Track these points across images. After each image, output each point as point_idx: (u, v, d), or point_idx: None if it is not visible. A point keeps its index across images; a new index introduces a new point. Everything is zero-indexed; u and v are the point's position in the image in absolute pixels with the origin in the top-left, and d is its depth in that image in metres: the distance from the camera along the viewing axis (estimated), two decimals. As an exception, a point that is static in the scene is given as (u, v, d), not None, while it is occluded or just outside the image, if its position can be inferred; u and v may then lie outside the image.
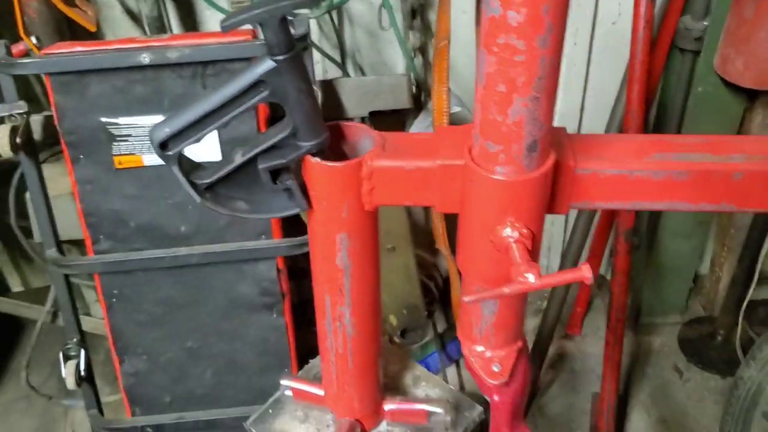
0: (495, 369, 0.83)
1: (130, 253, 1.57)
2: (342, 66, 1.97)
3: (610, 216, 2.13)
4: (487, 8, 0.60)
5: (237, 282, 1.62)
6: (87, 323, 2.00)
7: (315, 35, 1.95)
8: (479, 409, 1.11)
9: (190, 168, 0.81)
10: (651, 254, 2.39)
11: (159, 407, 1.74)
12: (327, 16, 1.86)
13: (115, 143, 1.46)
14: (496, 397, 0.84)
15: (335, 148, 0.85)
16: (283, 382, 1.12)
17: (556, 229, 2.50)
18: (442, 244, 2.00)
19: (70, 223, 1.70)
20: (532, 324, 2.39)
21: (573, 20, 2.03)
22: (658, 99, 2.13)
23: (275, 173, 0.80)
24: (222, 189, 0.82)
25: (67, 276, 1.61)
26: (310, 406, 1.13)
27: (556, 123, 0.78)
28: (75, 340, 1.68)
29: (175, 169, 0.79)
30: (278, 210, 0.84)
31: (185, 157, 0.80)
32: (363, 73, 2.03)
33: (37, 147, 1.53)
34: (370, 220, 0.85)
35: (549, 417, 2.29)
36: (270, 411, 1.14)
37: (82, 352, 1.68)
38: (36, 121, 1.55)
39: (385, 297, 1.93)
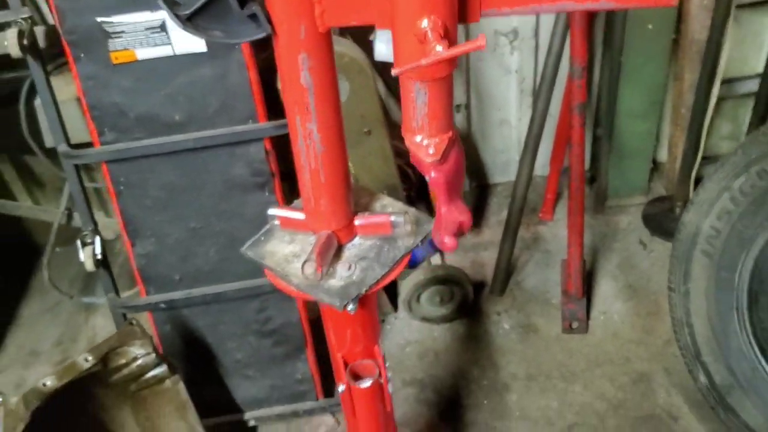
0: (430, 151, 1.03)
1: (132, 142, 1.77)
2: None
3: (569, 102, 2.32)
4: None
5: (230, 164, 1.82)
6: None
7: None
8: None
9: (173, 2, 1.01)
10: (612, 140, 2.60)
11: (170, 285, 1.96)
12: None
13: (110, 40, 1.65)
14: (432, 174, 1.04)
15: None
16: (270, 211, 1.33)
17: (523, 124, 2.69)
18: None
19: (75, 126, 1.90)
20: (505, 213, 2.60)
21: None
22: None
23: (242, 1, 1.00)
24: (200, 21, 1.02)
25: (77, 167, 1.81)
26: (295, 232, 1.34)
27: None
28: (90, 228, 1.90)
29: (160, 2, 0.99)
30: (247, 35, 1.03)
31: (172, -9, 1.00)
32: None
33: (41, 52, 1.72)
34: (325, 41, 1.04)
35: (526, 290, 2.52)
36: (262, 238, 1.34)
37: (97, 238, 1.90)
38: (39, 30, 1.73)
39: (366, 178, 2.14)
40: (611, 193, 2.73)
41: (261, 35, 1.03)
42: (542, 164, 2.78)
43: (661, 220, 2.63)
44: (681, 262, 1.96)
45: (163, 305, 1.97)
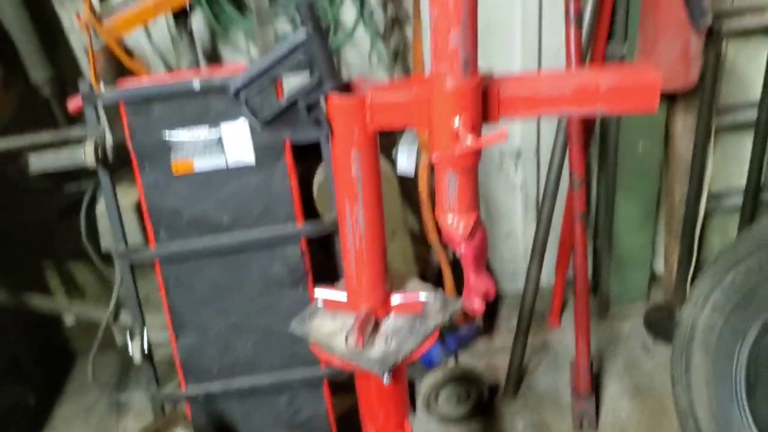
0: (461, 229, 1.25)
1: (184, 242, 1.99)
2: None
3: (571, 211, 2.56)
4: (429, -22, 1.07)
5: (270, 263, 2.03)
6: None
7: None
8: (459, 301, 1.50)
9: (254, 110, 1.25)
10: (612, 251, 2.81)
11: (208, 377, 2.11)
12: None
13: (172, 152, 1.91)
14: (462, 247, 1.25)
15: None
16: (317, 291, 1.52)
17: (528, 236, 2.92)
18: (432, 236, 2.43)
19: (129, 231, 2.12)
20: (515, 320, 2.76)
21: (522, 60, 2.52)
22: (600, 115, 2.61)
23: (309, 108, 1.24)
24: (275, 125, 1.26)
25: (132, 266, 2.02)
26: (337, 312, 1.52)
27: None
28: (139, 323, 2.08)
29: (244, 109, 1.24)
30: (311, 136, 1.27)
31: (251, 102, 1.24)
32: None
33: (110, 163, 1.97)
34: (373, 140, 1.28)
35: (537, 392, 2.66)
36: (307, 317, 1.53)
37: (145, 331, 2.07)
38: (109, 144, 1.99)
39: (388, 281, 2.33)
40: (613, 301, 2.92)
41: (322, 136, 1.27)
42: (547, 274, 2.99)
43: (662, 325, 2.80)
44: (681, 355, 2.12)
45: (201, 396, 2.11)
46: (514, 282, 3.05)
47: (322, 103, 1.25)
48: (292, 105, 1.25)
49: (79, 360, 2.96)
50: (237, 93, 1.23)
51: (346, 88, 1.26)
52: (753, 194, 2.62)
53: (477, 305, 1.30)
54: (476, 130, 1.18)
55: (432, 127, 1.21)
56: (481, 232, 1.28)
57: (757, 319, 2.01)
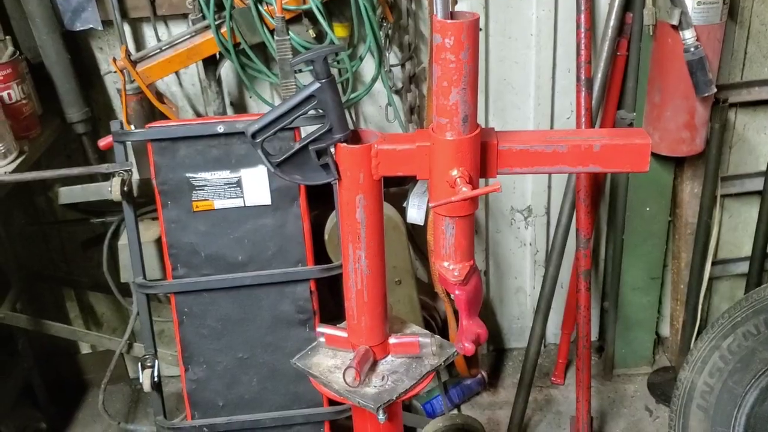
0: (455, 274, 1.32)
1: (200, 278, 2.07)
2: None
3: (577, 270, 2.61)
4: (435, 39, 1.16)
5: (279, 301, 2.10)
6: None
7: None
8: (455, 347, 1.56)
9: (268, 152, 1.34)
10: (618, 311, 2.85)
11: (214, 410, 2.17)
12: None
13: (194, 191, 2.01)
14: (457, 292, 1.32)
15: (355, 143, 1.38)
16: (319, 328, 1.59)
17: (537, 292, 2.97)
18: (438, 286, 2.49)
19: (148, 265, 2.21)
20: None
21: (535, 120, 2.61)
22: (610, 175, 2.69)
23: (319, 154, 1.33)
24: (286, 167, 1.35)
25: (148, 297, 2.10)
26: (338, 349, 1.59)
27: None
28: (151, 353, 2.15)
29: (260, 151, 1.33)
30: (320, 179, 1.36)
31: (266, 145, 1.34)
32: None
33: (134, 199, 2.08)
34: (378, 186, 1.36)
35: (538, 447, 2.67)
36: (309, 352, 1.60)
37: (156, 362, 2.14)
38: (134, 181, 2.10)
39: (394, 328, 2.39)
40: (618, 362, 2.94)
41: (330, 180, 1.36)
42: (554, 333, 3.03)
43: (666, 388, 2.81)
44: (679, 416, 2.14)
45: (206, 429, 2.17)
46: (521, 339, 3.08)
47: (331, 150, 1.34)
48: (302, 150, 1.34)
49: (92, 390, 3.02)
50: (254, 135, 1.33)
51: (354, 136, 1.35)
52: (759, 261, 2.66)
53: (468, 348, 1.35)
54: (473, 181, 1.26)
55: (432, 176, 1.30)
56: (475, 278, 1.35)
57: (755, 384, 2.03)
